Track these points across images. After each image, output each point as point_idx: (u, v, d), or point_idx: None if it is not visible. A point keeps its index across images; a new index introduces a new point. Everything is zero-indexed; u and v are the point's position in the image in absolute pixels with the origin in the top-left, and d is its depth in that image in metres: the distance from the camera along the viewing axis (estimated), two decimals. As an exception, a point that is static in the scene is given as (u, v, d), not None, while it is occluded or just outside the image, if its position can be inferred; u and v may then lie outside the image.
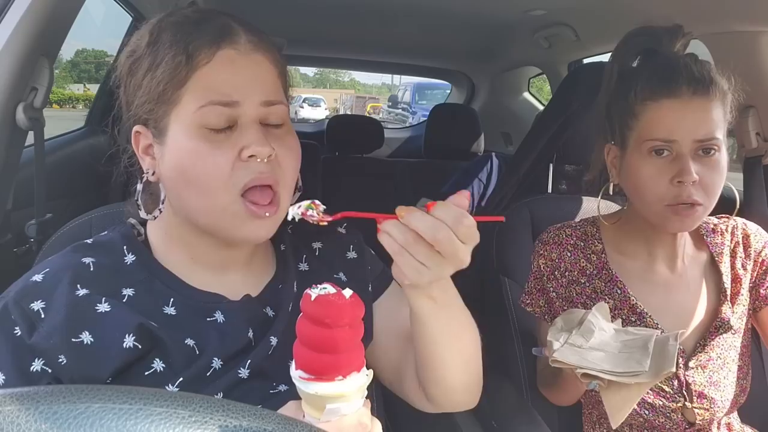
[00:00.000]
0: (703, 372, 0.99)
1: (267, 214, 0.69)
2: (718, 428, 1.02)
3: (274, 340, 0.73)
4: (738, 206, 1.02)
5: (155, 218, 0.73)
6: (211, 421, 0.49)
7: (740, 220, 1.06)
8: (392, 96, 17.75)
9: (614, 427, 0.84)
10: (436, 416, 0.86)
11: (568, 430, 1.12)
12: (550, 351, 0.83)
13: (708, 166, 0.90)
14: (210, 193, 0.67)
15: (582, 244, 1.04)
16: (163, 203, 0.72)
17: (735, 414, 1.05)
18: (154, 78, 0.67)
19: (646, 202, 0.94)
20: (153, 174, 0.71)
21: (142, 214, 0.79)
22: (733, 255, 1.04)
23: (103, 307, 0.68)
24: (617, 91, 0.97)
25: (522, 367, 1.16)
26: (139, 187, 0.79)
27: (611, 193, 1.07)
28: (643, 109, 0.93)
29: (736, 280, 1.03)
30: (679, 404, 0.98)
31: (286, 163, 0.70)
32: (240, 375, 0.70)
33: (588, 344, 0.83)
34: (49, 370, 0.65)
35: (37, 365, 0.65)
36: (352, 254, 0.86)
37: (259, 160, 0.67)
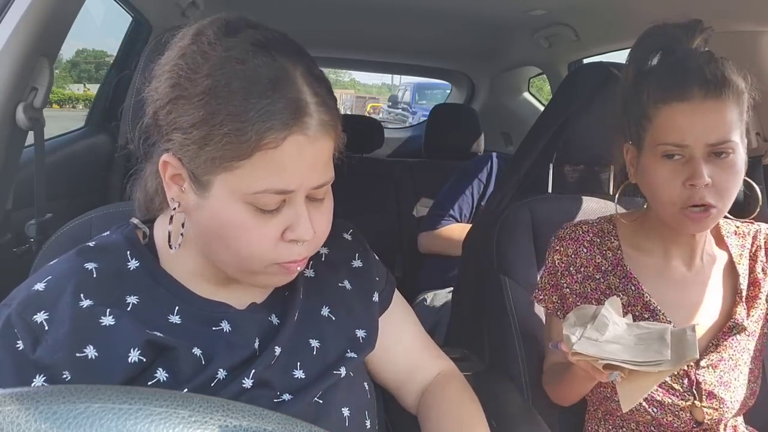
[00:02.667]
0: (714, 371, 0.99)
1: (298, 269, 0.70)
2: (725, 430, 1.02)
3: (278, 350, 0.73)
4: (759, 207, 1.00)
5: (179, 246, 0.70)
6: (211, 421, 0.49)
7: (764, 226, 1.06)
8: (392, 96, 17.71)
9: (624, 411, 0.84)
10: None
11: (569, 430, 1.12)
12: (568, 345, 0.84)
13: (721, 168, 0.90)
14: (244, 259, 0.67)
15: (598, 240, 1.04)
16: (183, 225, 0.70)
17: (740, 417, 1.05)
18: (209, 138, 0.61)
19: (660, 204, 0.94)
20: (179, 206, 0.68)
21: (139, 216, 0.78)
22: (753, 258, 1.04)
23: (108, 320, 0.67)
24: (633, 91, 0.97)
25: (522, 367, 1.16)
26: (141, 197, 0.77)
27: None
28: (656, 112, 0.92)
29: (755, 283, 1.03)
30: (689, 403, 0.98)
31: (321, 230, 0.70)
32: (244, 385, 0.70)
33: (603, 338, 0.84)
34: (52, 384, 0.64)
35: (38, 381, 0.64)
36: (357, 263, 0.86)
37: (300, 243, 0.67)
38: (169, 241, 0.71)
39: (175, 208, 0.68)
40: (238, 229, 0.65)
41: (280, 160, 0.62)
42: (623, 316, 0.90)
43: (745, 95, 0.92)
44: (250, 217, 0.64)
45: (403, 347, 0.89)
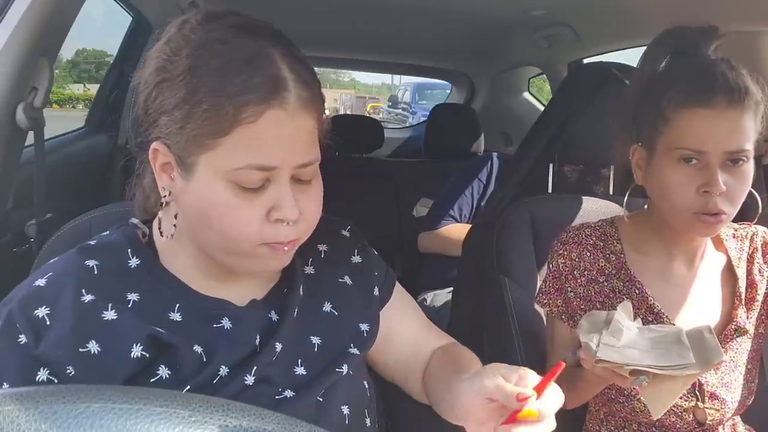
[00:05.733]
0: (716, 373, 0.99)
1: (286, 249, 0.69)
2: (724, 429, 1.02)
3: (278, 346, 0.73)
4: (759, 213, 1.01)
5: (171, 236, 0.71)
6: (211, 421, 0.49)
7: (761, 228, 1.07)
8: (392, 96, 17.71)
9: (654, 418, 0.84)
10: (436, 416, 0.86)
11: (569, 430, 1.12)
12: (590, 353, 0.83)
13: (735, 175, 0.90)
14: (231, 240, 0.66)
15: (601, 243, 1.04)
16: (176, 217, 0.71)
17: (738, 416, 1.06)
18: (190, 117, 0.63)
19: (671, 208, 0.94)
20: (169, 194, 0.69)
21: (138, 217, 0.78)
22: (750, 261, 1.05)
23: (110, 314, 0.67)
24: (648, 93, 0.96)
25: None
26: (140, 195, 0.77)
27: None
28: (675, 116, 0.91)
29: (752, 285, 1.03)
30: (692, 404, 0.98)
31: (310, 216, 0.70)
32: (246, 382, 0.70)
33: (620, 343, 0.84)
34: (55, 380, 0.64)
35: (42, 374, 0.64)
36: (356, 258, 0.86)
37: (285, 223, 0.67)
38: (159, 228, 0.71)
39: (165, 197, 0.69)
40: (222, 209, 0.65)
41: (259, 135, 0.63)
42: (633, 320, 0.90)
43: (762, 105, 0.92)
44: (234, 196, 0.64)
45: (406, 330, 0.89)
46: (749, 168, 0.91)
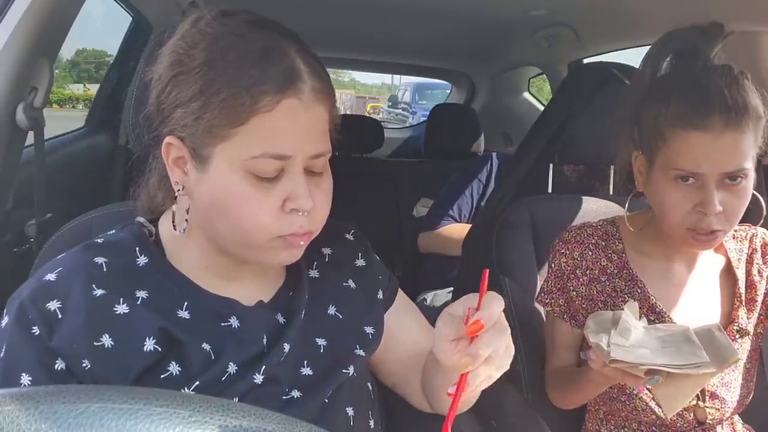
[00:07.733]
0: None
1: (302, 243, 0.70)
2: (723, 429, 1.03)
3: (287, 347, 0.73)
4: (764, 216, 0.99)
5: (184, 230, 0.71)
6: (211, 421, 0.49)
7: (760, 230, 1.07)
8: (392, 96, 17.70)
9: (668, 416, 0.84)
10: (436, 416, 0.86)
11: (569, 430, 1.12)
12: (602, 353, 0.83)
13: (732, 193, 0.89)
14: (247, 233, 0.67)
15: (603, 243, 1.05)
16: (188, 212, 0.71)
17: (737, 415, 1.06)
18: (206, 108, 0.63)
19: (667, 222, 0.94)
20: (182, 189, 0.69)
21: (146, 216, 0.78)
22: (749, 261, 1.05)
23: (122, 308, 0.68)
24: (647, 102, 0.95)
25: (522, 367, 1.16)
26: (144, 195, 0.77)
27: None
28: (672, 135, 0.90)
29: (751, 286, 1.03)
30: (693, 403, 0.99)
31: (322, 207, 0.70)
32: (255, 380, 0.70)
33: (629, 343, 0.84)
34: (73, 371, 0.65)
35: (60, 364, 0.65)
36: (360, 262, 0.86)
37: (300, 213, 0.67)
38: (173, 222, 0.71)
39: (179, 191, 0.69)
40: (239, 199, 0.65)
41: (275, 123, 0.64)
42: (639, 320, 0.90)
43: (763, 120, 0.90)
44: (250, 186, 0.65)
45: (408, 334, 0.89)
46: (748, 185, 0.90)
